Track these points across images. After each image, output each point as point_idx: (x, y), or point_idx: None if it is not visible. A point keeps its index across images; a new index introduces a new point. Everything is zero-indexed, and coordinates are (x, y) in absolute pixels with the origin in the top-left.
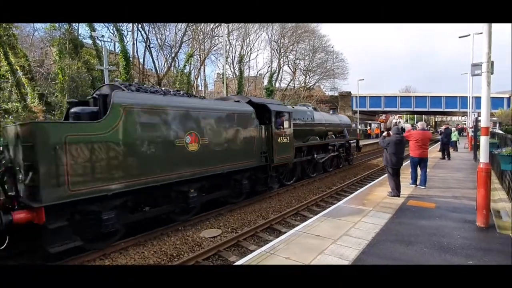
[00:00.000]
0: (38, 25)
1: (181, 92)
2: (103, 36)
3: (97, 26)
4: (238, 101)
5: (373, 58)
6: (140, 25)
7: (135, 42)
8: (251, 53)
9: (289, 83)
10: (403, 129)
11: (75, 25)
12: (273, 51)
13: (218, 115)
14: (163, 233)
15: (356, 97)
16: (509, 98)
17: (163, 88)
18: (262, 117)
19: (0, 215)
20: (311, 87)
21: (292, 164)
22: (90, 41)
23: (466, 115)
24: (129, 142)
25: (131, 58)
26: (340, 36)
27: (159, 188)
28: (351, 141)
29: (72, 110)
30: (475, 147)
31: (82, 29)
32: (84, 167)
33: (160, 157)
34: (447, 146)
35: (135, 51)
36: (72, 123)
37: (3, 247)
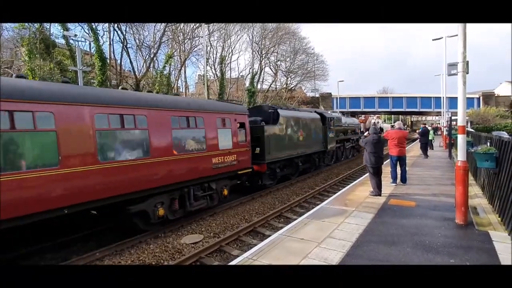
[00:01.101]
0: (6, 24)
1: (299, 108)
2: (76, 35)
3: (71, 25)
4: (315, 112)
5: (352, 60)
6: (116, 25)
7: (111, 43)
8: (232, 54)
9: (271, 84)
10: (381, 129)
11: (46, 24)
12: (254, 53)
13: (308, 121)
14: (141, 240)
15: (337, 98)
16: (479, 98)
17: (293, 106)
18: (323, 121)
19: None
20: (293, 88)
21: (333, 150)
22: (63, 41)
23: (440, 115)
24: (285, 134)
25: (107, 59)
26: (320, 38)
27: (292, 159)
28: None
29: (251, 119)
30: (450, 146)
31: (55, 28)
32: (274, 145)
33: (294, 142)
34: (424, 144)
35: (112, 51)
36: (269, 126)
37: (238, 182)
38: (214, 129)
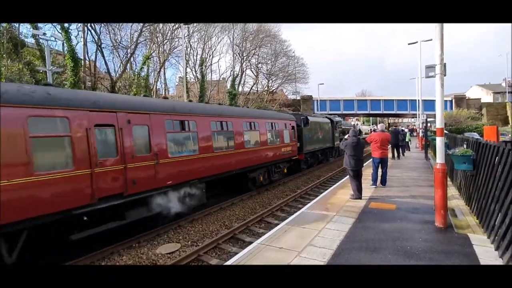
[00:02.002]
0: None
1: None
2: (44, 34)
3: (42, 24)
4: (325, 117)
5: (332, 63)
6: (90, 24)
7: (85, 43)
8: (213, 56)
9: (252, 86)
10: (359, 131)
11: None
12: (235, 55)
13: (323, 124)
14: (113, 251)
15: (317, 100)
16: (452, 100)
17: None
18: (332, 124)
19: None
20: (274, 90)
21: (337, 146)
22: (33, 40)
23: (416, 117)
24: (313, 134)
25: (81, 60)
26: (300, 41)
27: (315, 151)
28: None
29: None
30: (426, 147)
31: (24, 27)
32: (308, 142)
33: (317, 139)
34: (396, 146)
35: (86, 52)
36: (305, 128)
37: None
38: (283, 130)
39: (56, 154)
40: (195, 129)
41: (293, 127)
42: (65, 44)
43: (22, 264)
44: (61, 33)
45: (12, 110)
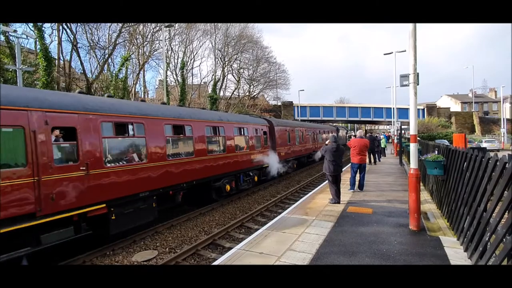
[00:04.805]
0: None
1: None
2: (15, 31)
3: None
4: (333, 125)
5: (315, 69)
6: (65, 23)
7: (60, 42)
8: (194, 60)
9: (234, 91)
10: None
11: None
12: (217, 60)
13: (336, 131)
14: (85, 260)
15: (298, 106)
16: (424, 109)
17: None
18: (337, 131)
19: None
20: (255, 96)
21: None
22: (2, 38)
23: (391, 124)
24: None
25: (55, 59)
26: (282, 48)
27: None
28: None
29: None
30: (401, 153)
31: None
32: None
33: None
34: (373, 152)
35: (60, 51)
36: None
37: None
38: (253, 136)
39: None
40: (143, 134)
41: (265, 132)
42: (37, 42)
43: (22, 264)
44: (33, 31)
45: None
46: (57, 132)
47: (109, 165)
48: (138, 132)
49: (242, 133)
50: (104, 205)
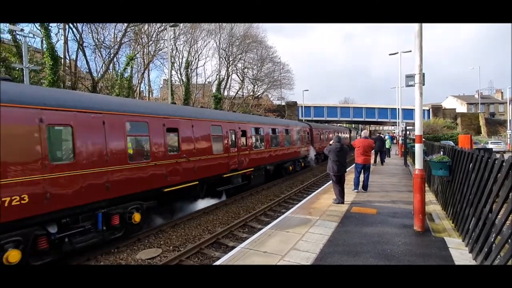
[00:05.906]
0: None
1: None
2: (22, 30)
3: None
4: (346, 127)
5: (319, 69)
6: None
7: (66, 41)
8: (198, 60)
9: (238, 91)
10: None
11: None
12: (221, 59)
13: (350, 133)
14: (90, 258)
15: (302, 106)
16: (429, 110)
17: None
18: (350, 132)
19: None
20: (259, 96)
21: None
22: (9, 36)
23: (396, 125)
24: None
25: (61, 58)
26: (286, 48)
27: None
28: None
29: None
30: (405, 154)
31: None
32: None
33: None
34: (380, 152)
35: (66, 50)
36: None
37: None
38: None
39: None
40: (278, 133)
41: (307, 132)
42: (44, 42)
43: (22, 264)
44: (40, 30)
45: None
46: None
47: (255, 150)
48: (274, 132)
49: (298, 133)
50: (252, 169)
